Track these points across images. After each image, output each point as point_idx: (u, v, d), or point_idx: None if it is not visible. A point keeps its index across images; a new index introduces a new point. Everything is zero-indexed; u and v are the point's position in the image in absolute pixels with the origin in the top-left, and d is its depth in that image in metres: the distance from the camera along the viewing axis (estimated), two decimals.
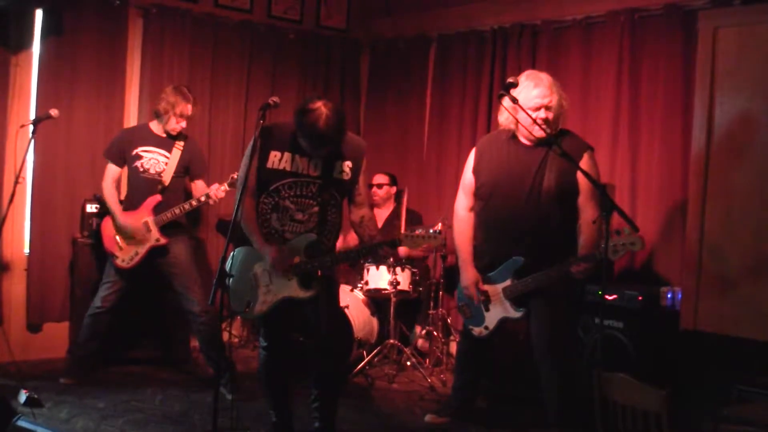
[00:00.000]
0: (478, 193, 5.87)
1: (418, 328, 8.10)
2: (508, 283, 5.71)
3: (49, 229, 7.50)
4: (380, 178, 8.44)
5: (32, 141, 6.55)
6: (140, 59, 8.00)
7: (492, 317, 5.86)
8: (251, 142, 5.07)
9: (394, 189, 8.51)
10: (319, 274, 5.13)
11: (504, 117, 5.70)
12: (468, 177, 5.94)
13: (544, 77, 5.55)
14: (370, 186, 8.30)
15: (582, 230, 5.53)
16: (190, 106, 6.75)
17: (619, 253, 5.09)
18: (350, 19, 9.57)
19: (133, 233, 6.70)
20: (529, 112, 5.39)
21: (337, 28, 9.46)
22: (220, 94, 8.48)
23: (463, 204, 5.99)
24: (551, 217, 5.56)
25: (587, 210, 5.51)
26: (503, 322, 5.84)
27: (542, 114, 5.49)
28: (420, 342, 8.05)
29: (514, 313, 5.74)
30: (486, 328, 5.91)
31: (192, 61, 8.21)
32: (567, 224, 5.58)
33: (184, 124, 6.78)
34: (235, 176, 6.49)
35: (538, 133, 5.52)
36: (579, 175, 5.43)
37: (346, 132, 5.05)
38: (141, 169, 6.75)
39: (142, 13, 7.98)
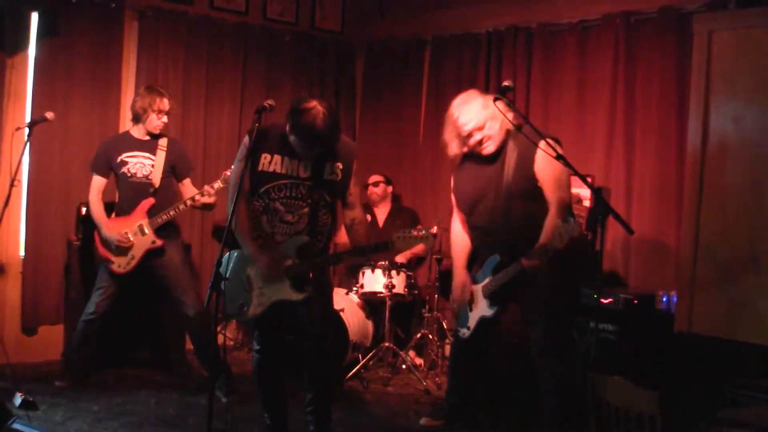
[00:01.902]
0: (460, 209, 6.02)
1: (412, 353, 8.06)
2: (486, 281, 5.75)
3: (45, 231, 7.49)
4: (375, 177, 8.51)
5: (28, 143, 6.54)
6: (136, 61, 8.00)
7: (473, 317, 5.90)
8: (242, 146, 5.09)
9: (390, 188, 8.56)
10: (311, 276, 5.13)
11: (450, 146, 5.84)
12: (453, 197, 6.09)
13: (464, 104, 5.67)
14: (366, 186, 8.35)
15: (545, 223, 5.54)
16: (166, 101, 6.75)
17: (564, 239, 5.09)
18: (345, 21, 9.58)
19: (117, 243, 6.68)
20: (467, 141, 5.65)
21: (332, 31, 9.47)
22: (215, 95, 8.48)
23: (455, 218, 6.12)
24: (518, 213, 5.57)
25: (554, 200, 5.52)
26: (482, 322, 5.86)
27: (477, 137, 5.64)
28: (412, 354, 8.04)
29: (488, 311, 5.77)
30: (468, 328, 5.94)
31: (187, 63, 8.21)
32: (535, 217, 5.57)
33: (165, 119, 6.79)
34: (228, 173, 6.49)
35: (486, 151, 5.68)
36: (536, 170, 5.53)
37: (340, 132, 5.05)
38: (128, 174, 6.74)
39: (138, 15, 7.98)
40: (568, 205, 5.52)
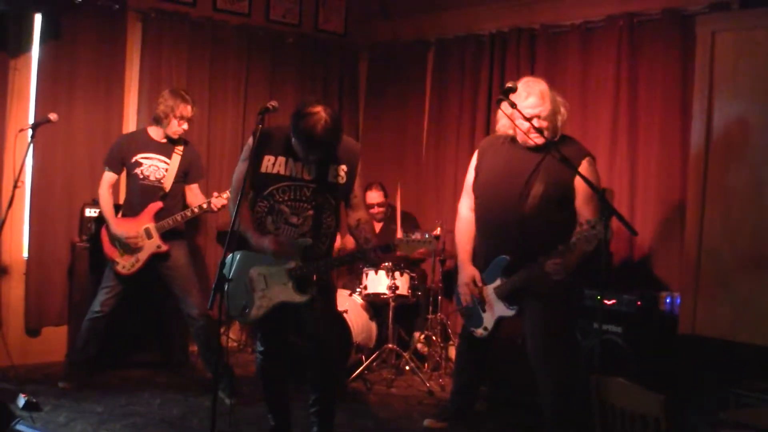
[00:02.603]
0: (475, 192, 5.91)
1: (417, 334, 8.08)
2: (498, 282, 5.72)
3: (48, 233, 7.49)
4: (376, 197, 8.41)
5: (31, 145, 6.56)
6: (139, 63, 8.01)
7: (489, 318, 5.86)
8: (245, 147, 5.08)
9: (387, 199, 8.51)
10: (315, 278, 5.13)
11: (501, 123, 5.71)
12: (470, 175, 5.97)
13: (538, 86, 5.54)
14: (370, 207, 8.27)
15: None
16: (189, 107, 6.74)
17: (591, 242, 5.08)
18: (348, 23, 9.59)
19: (125, 242, 6.69)
20: (523, 122, 5.44)
21: (335, 33, 9.47)
22: (218, 97, 8.48)
23: (466, 204, 6.00)
24: (538, 219, 5.54)
25: (584, 214, 5.50)
26: (500, 321, 5.84)
27: (535, 123, 5.47)
28: (419, 345, 8.04)
29: (508, 312, 5.74)
30: (485, 329, 5.91)
31: (190, 64, 8.21)
32: (556, 227, 5.55)
33: (185, 126, 6.78)
34: None
35: (535, 141, 5.53)
36: (576, 181, 5.43)
37: (342, 138, 5.05)
38: (141, 176, 6.75)
39: (141, 17, 7.99)
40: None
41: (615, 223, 4.80)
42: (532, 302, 5.63)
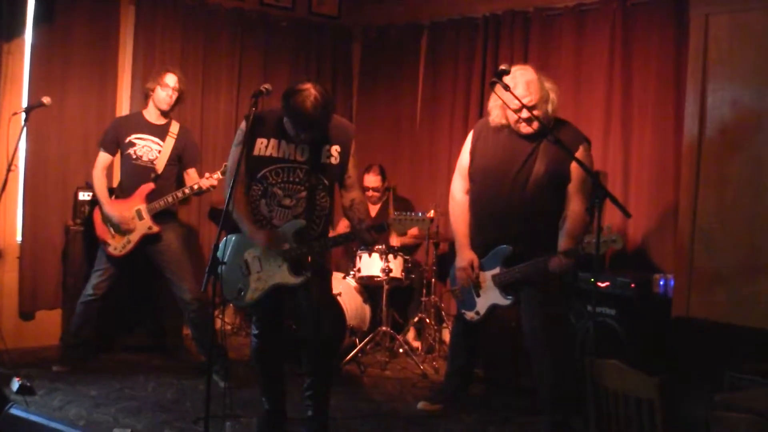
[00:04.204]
0: (470, 176, 5.89)
1: (412, 331, 8.08)
2: (496, 270, 5.72)
3: (42, 216, 7.48)
4: (373, 180, 8.37)
5: (24, 129, 6.53)
6: (132, 46, 7.98)
7: (482, 303, 5.87)
8: (238, 131, 5.08)
9: (385, 183, 8.51)
10: (309, 260, 5.13)
11: (495, 114, 5.70)
12: (464, 159, 5.94)
13: (524, 76, 5.50)
14: (366, 189, 8.27)
15: (566, 220, 5.53)
16: (172, 76, 6.80)
17: (601, 249, 5.07)
18: (342, 6, 9.54)
19: (118, 223, 6.69)
20: (512, 113, 5.48)
21: (329, 15, 9.43)
22: (212, 81, 8.47)
23: (458, 186, 5.98)
24: (538, 205, 5.55)
25: (575, 200, 5.51)
26: (493, 309, 5.85)
27: (524, 114, 5.46)
28: (411, 339, 8.04)
29: (503, 300, 5.75)
30: (477, 313, 5.92)
31: (184, 48, 8.19)
32: (555, 214, 5.56)
33: (171, 94, 6.80)
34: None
35: (525, 130, 5.54)
36: (572, 166, 5.44)
37: (333, 116, 5.04)
38: (134, 156, 6.75)
39: (134, 0, 7.95)
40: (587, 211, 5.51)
41: (608, 204, 4.81)
42: (530, 287, 5.64)
